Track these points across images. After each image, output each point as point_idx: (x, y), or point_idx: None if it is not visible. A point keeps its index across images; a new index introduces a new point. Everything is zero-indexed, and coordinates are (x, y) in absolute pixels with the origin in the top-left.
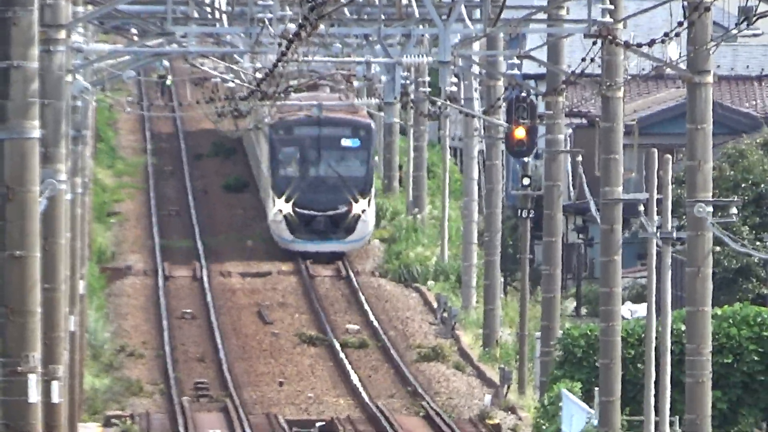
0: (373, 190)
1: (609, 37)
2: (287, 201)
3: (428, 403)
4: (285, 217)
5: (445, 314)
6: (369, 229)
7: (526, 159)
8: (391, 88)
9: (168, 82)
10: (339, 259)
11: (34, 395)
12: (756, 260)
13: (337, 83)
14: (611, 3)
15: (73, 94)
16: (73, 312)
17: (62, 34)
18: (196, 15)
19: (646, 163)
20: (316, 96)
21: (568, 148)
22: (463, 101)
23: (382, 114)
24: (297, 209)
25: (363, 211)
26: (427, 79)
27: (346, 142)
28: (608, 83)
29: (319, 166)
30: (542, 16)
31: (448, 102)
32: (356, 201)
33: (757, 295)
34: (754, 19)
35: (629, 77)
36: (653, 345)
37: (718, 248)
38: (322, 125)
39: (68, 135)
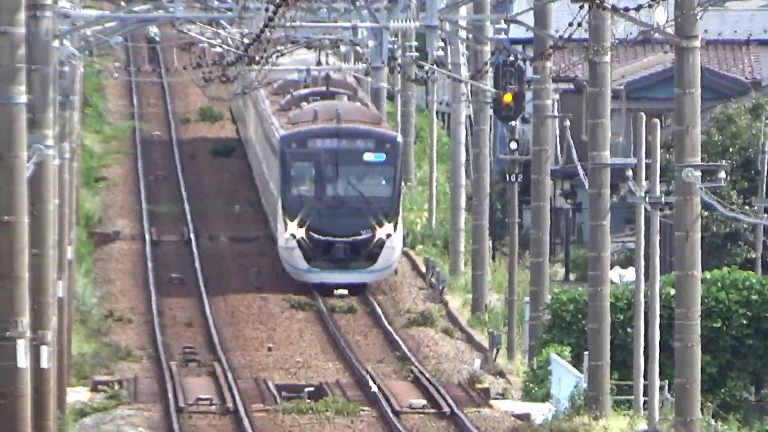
0: (400, 212)
1: (596, 1)
2: (301, 225)
3: (417, 367)
4: (298, 243)
5: (434, 279)
6: (395, 257)
7: (513, 124)
8: (378, 53)
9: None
10: (360, 291)
11: (23, 360)
12: (744, 225)
13: (354, 90)
14: None
15: (60, 60)
16: (61, 277)
17: (49, 0)
18: None
19: (634, 128)
20: (333, 105)
21: (556, 113)
22: (450, 66)
23: (369, 79)
24: (312, 234)
25: (388, 236)
26: (414, 44)
27: (368, 157)
28: (596, 48)
29: (337, 185)
30: None
31: (435, 67)
32: (381, 225)
33: (745, 260)
34: None
35: (617, 42)
36: (642, 309)
37: (706, 213)
38: (341, 137)
39: (56, 100)
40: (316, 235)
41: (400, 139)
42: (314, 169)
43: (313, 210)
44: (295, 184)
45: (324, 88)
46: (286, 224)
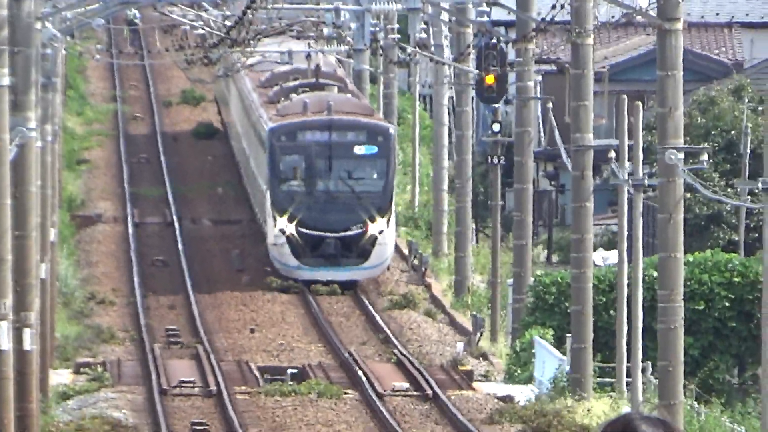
0: (393, 207)
1: None
2: (290, 220)
3: (400, 350)
4: (288, 239)
5: (417, 261)
6: (387, 254)
7: (496, 106)
8: (360, 36)
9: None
10: (351, 289)
11: (6, 342)
12: (727, 207)
13: (344, 82)
14: None
15: (42, 42)
16: (44, 259)
17: None
18: None
19: (617, 110)
20: (323, 96)
21: (539, 95)
22: (432, 48)
23: (351, 61)
24: (302, 230)
25: (381, 232)
26: (397, 26)
27: (360, 150)
28: (578, 30)
29: (328, 179)
30: None
31: (418, 49)
32: (373, 220)
33: (728, 242)
34: None
35: (599, 24)
36: (625, 292)
37: (689, 195)
38: (332, 129)
39: (38, 83)
40: (306, 231)
41: (393, 130)
42: (304, 162)
43: (303, 205)
44: (285, 178)
45: (314, 80)
46: (275, 219)
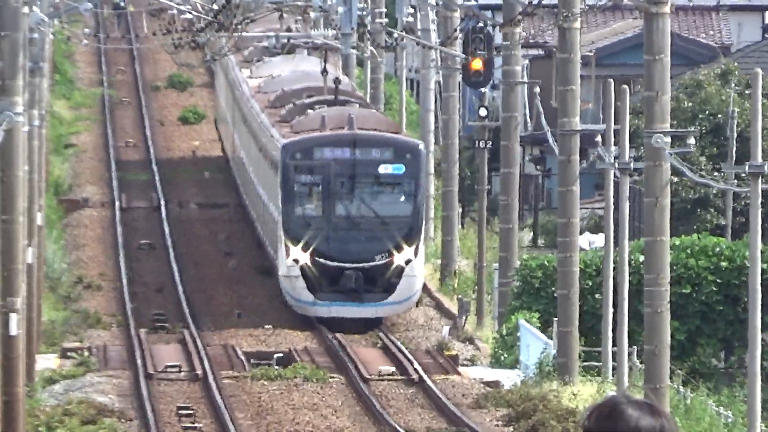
0: (422, 235)
1: None
2: (305, 249)
3: (386, 334)
4: (302, 270)
5: None
6: (416, 288)
7: (483, 90)
8: (347, 19)
9: None
10: (375, 327)
11: None
12: (714, 191)
13: (364, 101)
14: None
15: (29, 26)
16: (31, 244)
17: None
18: None
19: (604, 94)
20: (343, 110)
21: (525, 79)
22: (419, 32)
23: (338, 45)
24: (318, 260)
25: (408, 262)
26: (384, 10)
27: (386, 169)
28: (565, 14)
29: (349, 201)
30: None
31: (405, 33)
32: (399, 249)
33: (715, 226)
34: None
35: (586, 8)
36: (611, 275)
37: (675, 179)
38: (354, 146)
39: (25, 67)
40: (323, 261)
41: (422, 147)
42: (322, 183)
43: (320, 232)
44: (299, 201)
45: (332, 97)
46: (287, 249)
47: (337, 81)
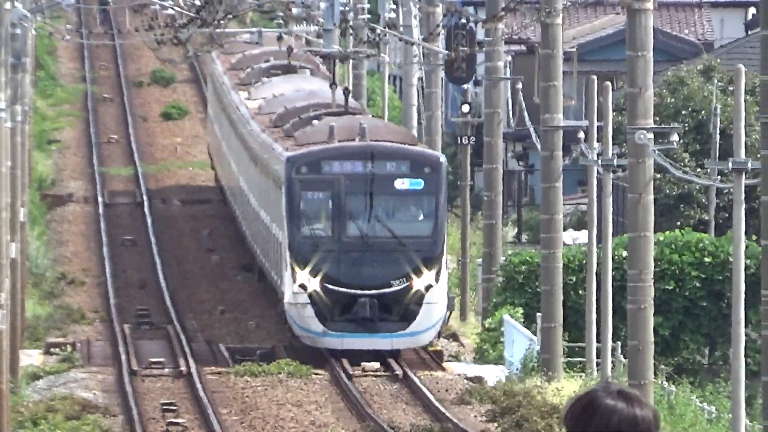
0: (444, 257)
1: None
2: (314, 274)
3: None
4: (310, 297)
5: None
6: (438, 316)
7: (465, 86)
8: (330, 15)
9: None
10: (392, 358)
11: None
12: (697, 187)
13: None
14: None
15: (12, 22)
16: (14, 239)
17: None
18: None
19: (586, 90)
20: (354, 120)
21: (508, 75)
22: (402, 28)
23: (321, 41)
24: (329, 286)
25: (428, 288)
26: (366, 5)
27: (402, 184)
28: (547, 10)
29: (362, 220)
30: None
31: (388, 29)
32: (418, 273)
33: (698, 221)
34: None
35: (568, 4)
36: (594, 271)
37: (659, 175)
38: (367, 158)
39: (7, 63)
40: (333, 288)
41: (443, 160)
42: (331, 200)
43: (330, 254)
44: (306, 221)
45: (342, 110)
46: (294, 273)
47: (346, 90)
